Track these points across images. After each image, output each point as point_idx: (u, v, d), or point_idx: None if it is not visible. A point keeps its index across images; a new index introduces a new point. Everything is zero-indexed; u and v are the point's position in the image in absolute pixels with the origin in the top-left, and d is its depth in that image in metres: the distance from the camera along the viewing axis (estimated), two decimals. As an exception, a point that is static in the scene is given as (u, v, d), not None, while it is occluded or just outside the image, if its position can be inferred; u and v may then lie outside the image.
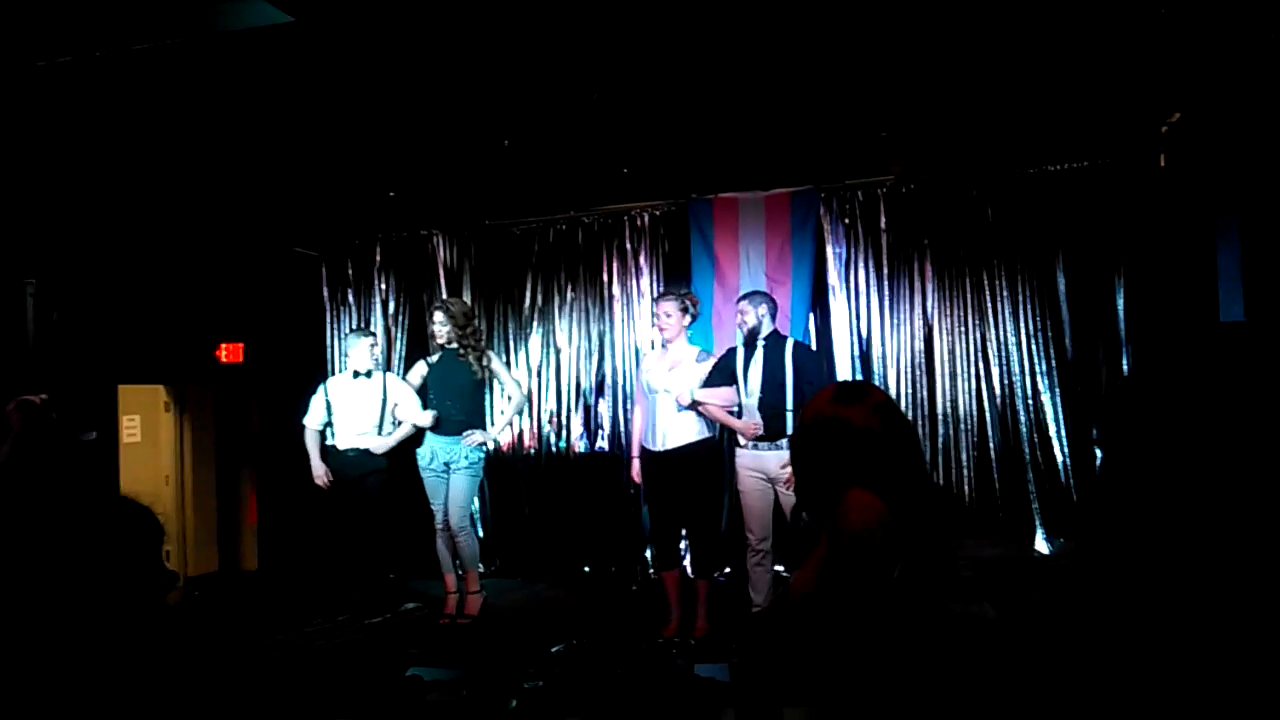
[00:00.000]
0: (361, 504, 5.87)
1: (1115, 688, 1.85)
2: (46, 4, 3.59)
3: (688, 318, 5.19)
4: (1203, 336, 4.62)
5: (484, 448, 5.76)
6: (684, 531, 5.35)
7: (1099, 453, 5.66)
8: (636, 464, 5.31)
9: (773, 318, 5.18)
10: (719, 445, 5.51)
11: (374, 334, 6.20)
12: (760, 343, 5.04)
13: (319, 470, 5.85)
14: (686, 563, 5.62)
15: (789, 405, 4.87)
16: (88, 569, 1.43)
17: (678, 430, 5.08)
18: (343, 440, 5.87)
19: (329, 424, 5.91)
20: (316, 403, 5.94)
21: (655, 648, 4.36)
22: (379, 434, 5.88)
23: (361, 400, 5.89)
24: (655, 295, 5.36)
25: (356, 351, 5.94)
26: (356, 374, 5.93)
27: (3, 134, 4.72)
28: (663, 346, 5.25)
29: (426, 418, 5.75)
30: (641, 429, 5.31)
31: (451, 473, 5.64)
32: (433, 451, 5.69)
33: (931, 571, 1.96)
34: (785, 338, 5.18)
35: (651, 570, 6.24)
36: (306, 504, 6.02)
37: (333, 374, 7.35)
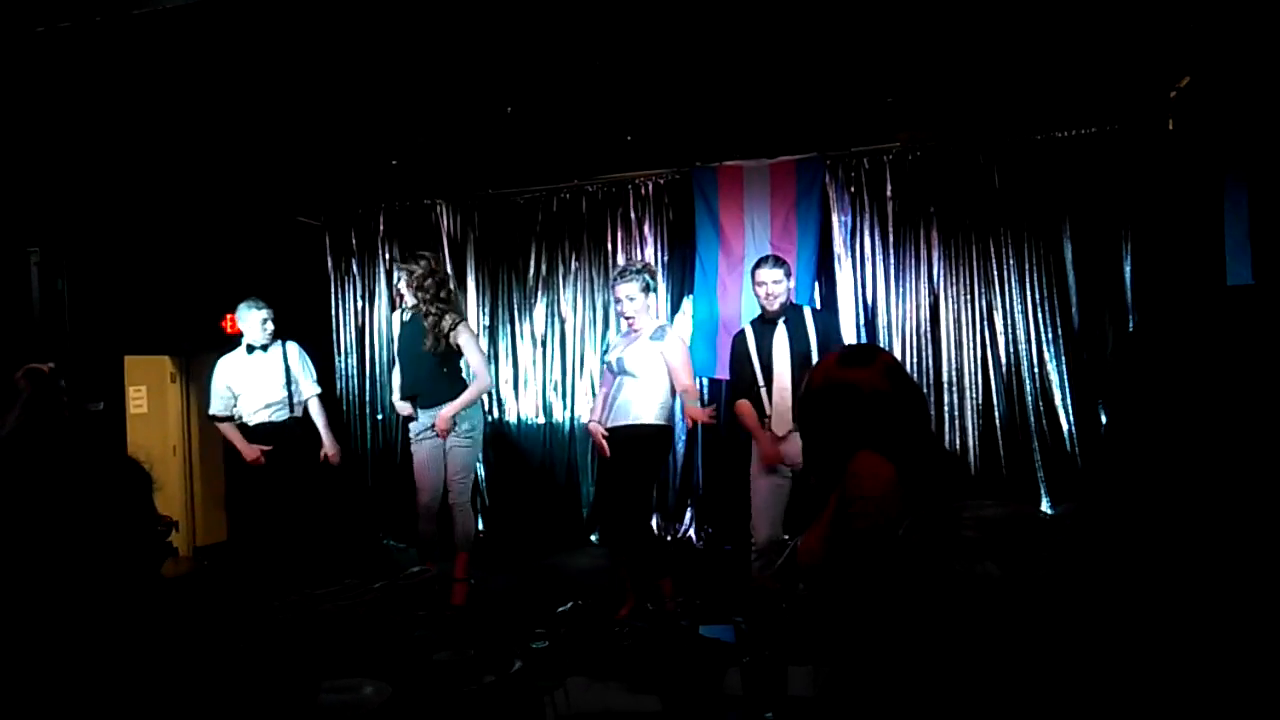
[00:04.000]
0: (299, 474, 5.61)
1: (1117, 647, 1.86)
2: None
3: (650, 295, 4.96)
4: (1209, 299, 4.60)
5: (478, 412, 5.39)
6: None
7: (1104, 417, 5.66)
8: (598, 426, 4.95)
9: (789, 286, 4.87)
10: (672, 431, 5.20)
11: (265, 306, 5.64)
12: (785, 308, 4.70)
13: (247, 450, 5.50)
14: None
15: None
16: (86, 528, 1.44)
17: (640, 409, 4.81)
18: (251, 417, 5.57)
19: (233, 404, 5.60)
20: (217, 386, 5.60)
21: (660, 610, 4.34)
22: (289, 408, 5.61)
23: (262, 374, 5.59)
24: (616, 275, 4.99)
25: (249, 325, 5.59)
26: (251, 348, 5.60)
27: (4, 102, 4.70)
28: (630, 329, 4.96)
29: (314, 392, 5.67)
30: (604, 399, 5.00)
31: (446, 443, 5.24)
32: (422, 423, 5.31)
33: (936, 531, 1.96)
34: (801, 307, 4.87)
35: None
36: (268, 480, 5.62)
37: (337, 343, 7.37)
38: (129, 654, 1.40)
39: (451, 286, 5.51)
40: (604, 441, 4.88)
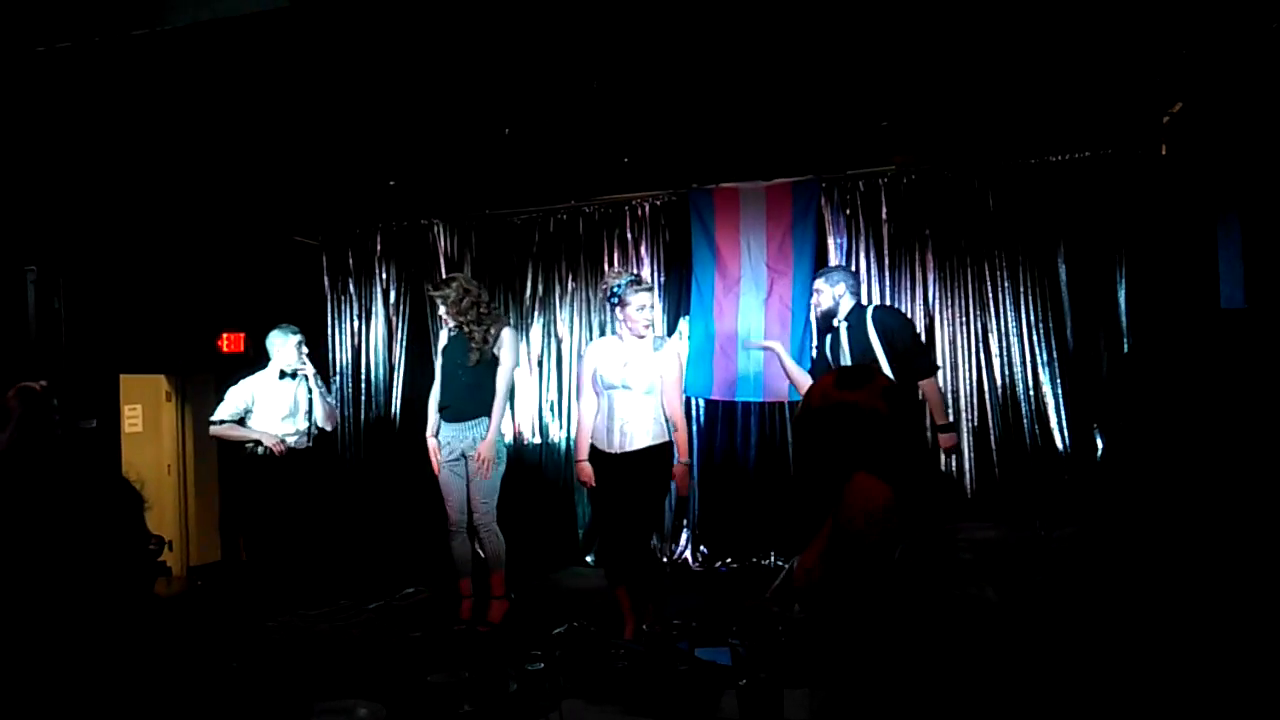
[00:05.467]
0: (308, 503, 5.61)
1: (1116, 670, 1.86)
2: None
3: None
4: (1203, 322, 4.63)
5: (504, 437, 5.34)
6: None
7: (1099, 440, 5.67)
8: (587, 466, 4.76)
9: (854, 293, 4.90)
10: (672, 445, 4.97)
11: (298, 331, 5.65)
12: (842, 323, 4.75)
13: (267, 439, 5.43)
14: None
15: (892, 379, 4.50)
16: (75, 546, 1.44)
17: (640, 430, 4.66)
18: (270, 442, 5.49)
19: (244, 418, 5.53)
20: (235, 399, 5.52)
21: (656, 631, 4.30)
22: (308, 439, 5.60)
23: (288, 402, 5.56)
24: (626, 285, 4.77)
25: (284, 349, 5.54)
26: (283, 374, 5.57)
27: (3, 121, 4.71)
28: (635, 339, 4.76)
29: (334, 423, 5.74)
30: (590, 427, 4.81)
31: (469, 463, 5.15)
32: (447, 441, 5.21)
33: (933, 555, 1.96)
34: (865, 307, 4.86)
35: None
36: (266, 499, 5.58)
37: (333, 363, 7.36)
38: (121, 672, 1.40)
39: (487, 299, 5.39)
40: (591, 479, 4.75)
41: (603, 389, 4.77)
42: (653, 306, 4.81)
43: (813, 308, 4.94)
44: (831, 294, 4.85)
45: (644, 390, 4.68)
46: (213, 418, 5.56)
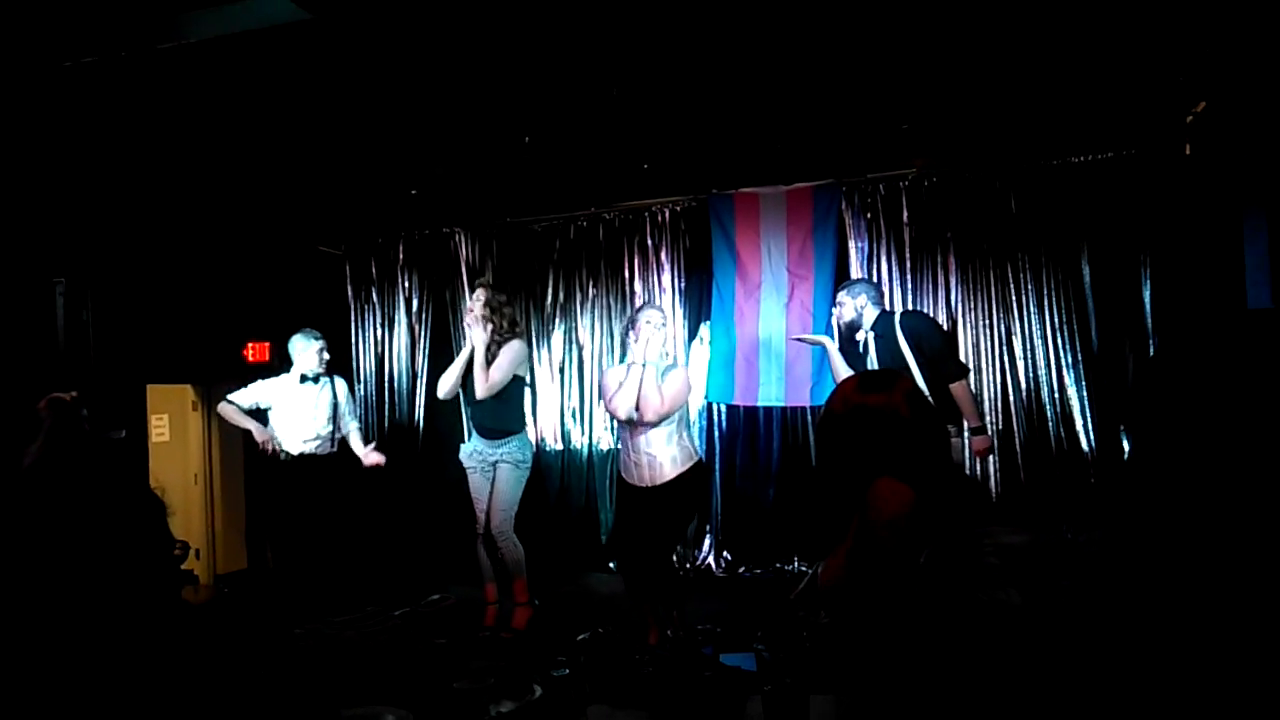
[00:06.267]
0: (331, 507, 5.66)
1: (1139, 674, 1.84)
2: (72, 5, 3.64)
3: (663, 331, 4.73)
4: (1230, 323, 4.58)
5: (530, 447, 5.34)
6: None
7: (1126, 442, 5.62)
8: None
9: (877, 303, 4.89)
10: (705, 468, 4.97)
11: (320, 336, 5.71)
12: (868, 333, 4.76)
13: (259, 431, 5.51)
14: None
15: (921, 384, 4.41)
16: (103, 553, 1.46)
17: (667, 460, 4.55)
18: (292, 446, 5.58)
19: (258, 411, 5.63)
20: (253, 393, 5.61)
21: (680, 636, 4.29)
22: (330, 442, 5.65)
23: (308, 406, 5.61)
24: (636, 308, 4.79)
25: (306, 354, 5.60)
26: (304, 378, 5.61)
27: (31, 135, 4.78)
28: (641, 364, 4.60)
29: (354, 425, 5.77)
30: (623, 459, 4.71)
31: (496, 468, 5.16)
32: (475, 449, 5.24)
33: (958, 558, 1.95)
34: (891, 314, 4.86)
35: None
36: (292, 506, 5.67)
37: (357, 371, 7.41)
38: (150, 678, 1.41)
39: (513, 314, 5.39)
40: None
41: (616, 422, 4.73)
42: (662, 325, 4.69)
43: (835, 321, 4.90)
44: (853, 305, 4.84)
45: (663, 421, 4.57)
46: (229, 396, 5.63)
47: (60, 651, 1.39)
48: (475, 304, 5.20)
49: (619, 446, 4.92)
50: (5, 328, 5.31)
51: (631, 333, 4.72)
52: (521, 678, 2.24)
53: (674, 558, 5.41)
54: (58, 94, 4.35)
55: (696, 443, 4.72)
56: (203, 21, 3.82)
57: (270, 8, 3.70)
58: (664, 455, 4.56)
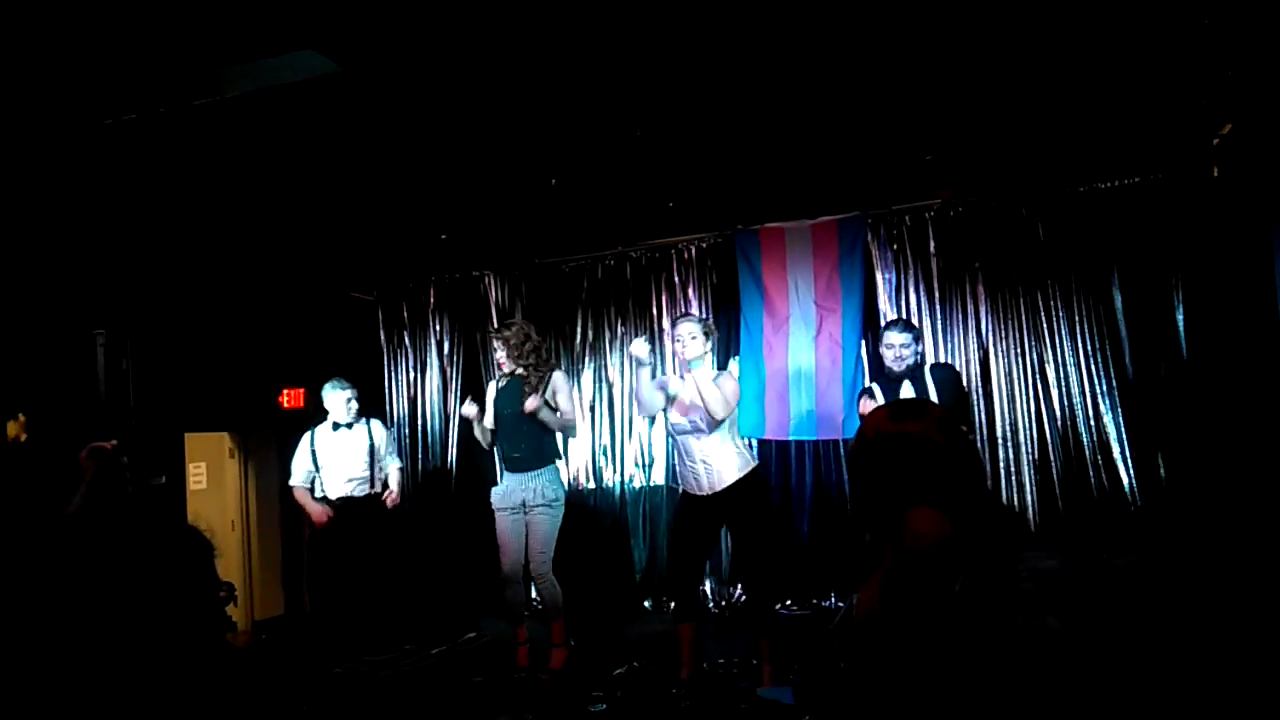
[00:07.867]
0: (373, 548, 5.85)
1: (1178, 698, 1.81)
2: (114, 65, 3.76)
3: (710, 341, 4.83)
4: (1265, 344, 4.52)
5: (562, 485, 5.36)
6: (743, 570, 4.85)
7: (1164, 469, 5.53)
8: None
9: (918, 353, 4.92)
10: (760, 474, 5.01)
11: (349, 385, 5.97)
12: (906, 377, 4.79)
13: (317, 512, 5.78)
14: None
15: None
16: (151, 598, 1.48)
17: (727, 466, 4.64)
18: (333, 490, 5.85)
19: (315, 476, 5.90)
20: (301, 459, 5.91)
21: (717, 671, 4.24)
22: (370, 483, 5.89)
23: (347, 451, 5.89)
24: (673, 321, 4.96)
25: (336, 403, 5.90)
26: (337, 425, 5.92)
27: (74, 191, 4.91)
28: (679, 375, 4.84)
29: (395, 465, 5.98)
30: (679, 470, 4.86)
31: (528, 512, 5.19)
32: (508, 489, 5.27)
33: (994, 584, 1.93)
34: (922, 365, 4.94)
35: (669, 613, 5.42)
36: (330, 547, 5.89)
37: (391, 414, 7.48)
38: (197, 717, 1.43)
39: (543, 343, 5.52)
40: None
41: (675, 433, 4.80)
42: (694, 336, 4.74)
43: (896, 360, 4.82)
44: (915, 350, 4.86)
45: (715, 427, 4.66)
46: (290, 481, 5.97)
47: (112, 696, 1.41)
48: (498, 353, 5.39)
49: (672, 460, 4.99)
50: (48, 379, 5.43)
51: (674, 343, 4.85)
52: (559, 713, 2.23)
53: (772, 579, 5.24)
54: (99, 150, 4.47)
55: (749, 451, 4.77)
56: (237, 77, 3.93)
57: (302, 62, 3.80)
58: (722, 461, 4.63)
